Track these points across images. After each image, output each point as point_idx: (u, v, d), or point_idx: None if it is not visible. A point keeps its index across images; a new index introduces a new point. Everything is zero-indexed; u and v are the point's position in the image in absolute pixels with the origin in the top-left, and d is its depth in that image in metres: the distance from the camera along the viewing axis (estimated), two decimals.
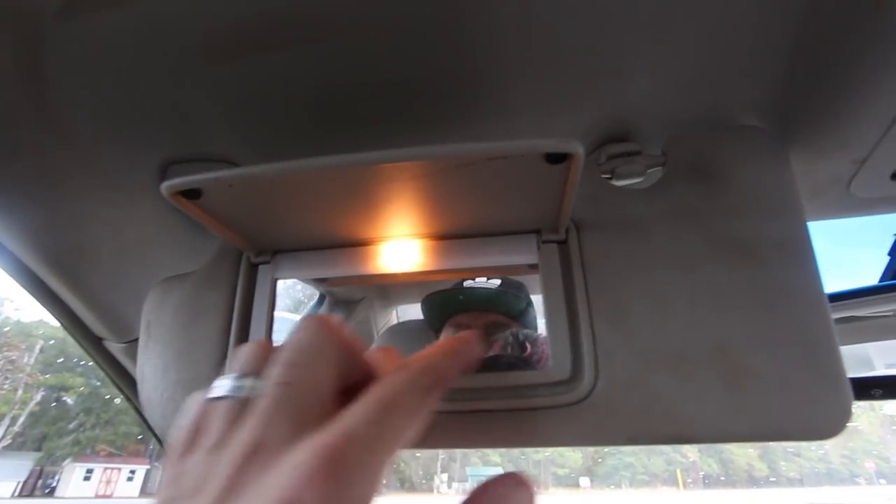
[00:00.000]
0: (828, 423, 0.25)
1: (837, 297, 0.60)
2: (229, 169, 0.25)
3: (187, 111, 0.34)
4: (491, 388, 0.28)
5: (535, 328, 0.56)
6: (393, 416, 0.16)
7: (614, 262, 0.30)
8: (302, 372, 0.17)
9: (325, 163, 0.23)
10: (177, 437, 0.17)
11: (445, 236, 0.32)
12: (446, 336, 0.56)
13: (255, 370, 0.19)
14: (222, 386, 0.18)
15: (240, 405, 0.17)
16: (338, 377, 0.18)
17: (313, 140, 0.36)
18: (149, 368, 0.33)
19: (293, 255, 0.33)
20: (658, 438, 0.26)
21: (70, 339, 0.50)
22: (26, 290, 0.43)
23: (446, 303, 0.56)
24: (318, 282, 0.41)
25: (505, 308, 0.55)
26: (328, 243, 0.33)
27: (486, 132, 0.36)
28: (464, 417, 0.28)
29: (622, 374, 0.27)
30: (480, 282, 0.56)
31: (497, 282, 0.56)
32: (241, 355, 0.19)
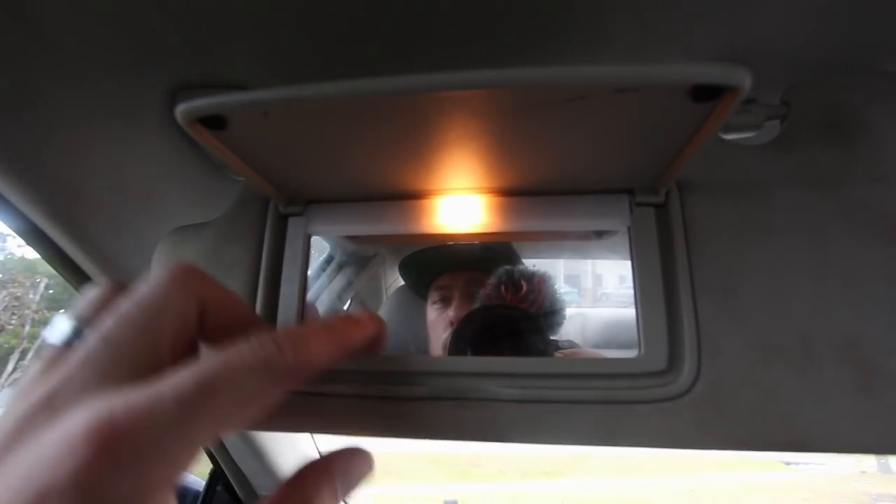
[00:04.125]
0: None
1: None
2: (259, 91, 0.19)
3: (201, 18, 0.27)
4: (566, 375, 0.24)
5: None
6: (217, 397, 0.14)
7: (726, 232, 0.24)
8: (128, 326, 0.16)
9: (398, 84, 0.17)
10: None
11: (515, 192, 0.27)
12: (432, 301, 0.49)
13: (92, 317, 0.17)
14: (55, 330, 0.17)
15: (62, 353, 0.16)
16: (182, 334, 0.16)
17: (354, 65, 0.30)
18: None
19: (330, 207, 0.28)
20: (774, 445, 0.22)
21: None
22: (18, 234, 0.38)
23: (426, 264, 0.49)
24: (349, 240, 0.35)
25: (485, 265, 0.48)
26: (372, 194, 0.27)
27: None
28: (535, 408, 0.23)
29: (731, 366, 0.23)
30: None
31: None
32: (85, 299, 0.18)
